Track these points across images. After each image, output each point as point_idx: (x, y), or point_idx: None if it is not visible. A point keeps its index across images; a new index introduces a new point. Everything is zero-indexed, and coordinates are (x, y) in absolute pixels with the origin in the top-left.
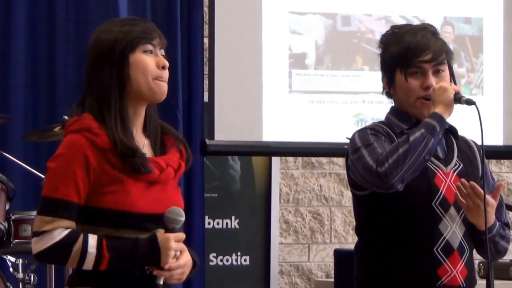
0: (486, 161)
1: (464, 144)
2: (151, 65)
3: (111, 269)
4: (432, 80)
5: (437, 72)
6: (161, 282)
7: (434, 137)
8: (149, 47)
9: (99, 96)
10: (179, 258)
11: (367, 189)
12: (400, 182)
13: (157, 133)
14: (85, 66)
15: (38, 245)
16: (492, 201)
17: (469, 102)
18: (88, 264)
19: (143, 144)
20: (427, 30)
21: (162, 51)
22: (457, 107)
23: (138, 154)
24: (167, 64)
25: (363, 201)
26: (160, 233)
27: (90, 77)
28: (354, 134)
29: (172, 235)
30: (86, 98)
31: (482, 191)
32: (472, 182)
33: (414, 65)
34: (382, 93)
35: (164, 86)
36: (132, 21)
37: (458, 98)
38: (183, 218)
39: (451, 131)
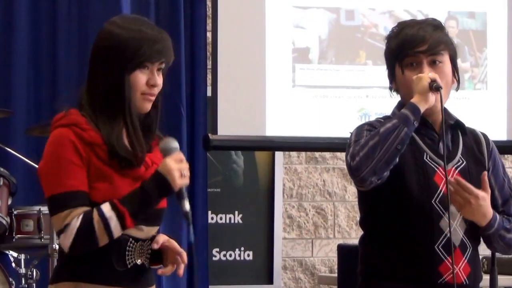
0: (498, 154)
1: (472, 139)
2: (141, 82)
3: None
4: (427, 71)
5: (433, 63)
6: (187, 208)
7: (407, 126)
8: (148, 65)
9: (105, 92)
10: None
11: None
12: (373, 175)
13: (152, 134)
14: (93, 57)
15: (65, 241)
16: (483, 194)
17: (436, 88)
18: (116, 229)
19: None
20: (427, 23)
21: (163, 65)
22: (463, 102)
23: (132, 153)
24: (157, 83)
25: (365, 196)
26: (161, 162)
27: (96, 71)
28: (353, 130)
29: (168, 158)
30: (88, 89)
31: (469, 186)
32: (456, 177)
33: (409, 57)
34: (391, 90)
35: (148, 104)
36: (154, 31)
37: (431, 86)
38: (174, 145)
39: (458, 126)
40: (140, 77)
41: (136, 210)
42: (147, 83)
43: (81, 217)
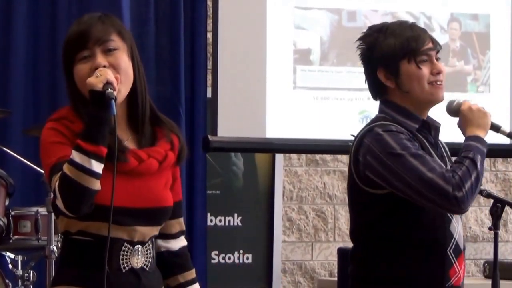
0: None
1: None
2: (84, 73)
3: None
4: (440, 65)
5: (437, 60)
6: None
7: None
8: (84, 53)
9: (70, 99)
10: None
11: (387, 188)
12: None
13: (144, 126)
14: None
15: (60, 205)
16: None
17: (497, 129)
18: (82, 159)
19: (127, 138)
20: (415, 24)
21: (105, 45)
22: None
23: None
24: (96, 64)
25: (377, 199)
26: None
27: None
28: (380, 135)
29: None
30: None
31: None
32: None
33: (423, 54)
34: (380, 95)
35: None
36: (75, 24)
37: (493, 126)
38: None
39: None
40: (82, 69)
41: (86, 132)
42: (91, 69)
43: (58, 175)
